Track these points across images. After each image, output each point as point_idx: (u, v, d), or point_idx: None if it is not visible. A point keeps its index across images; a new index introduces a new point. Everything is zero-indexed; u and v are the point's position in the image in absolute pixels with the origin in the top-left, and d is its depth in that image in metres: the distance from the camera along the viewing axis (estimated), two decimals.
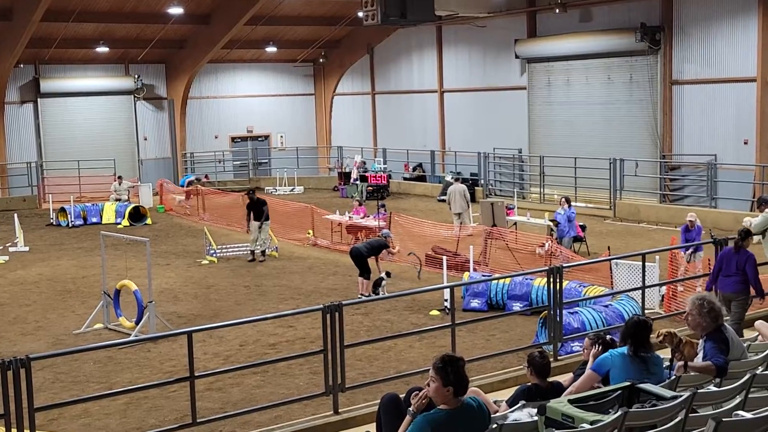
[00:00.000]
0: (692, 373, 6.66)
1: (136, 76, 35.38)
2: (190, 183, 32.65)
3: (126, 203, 29.12)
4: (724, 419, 4.51)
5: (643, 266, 12.02)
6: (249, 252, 21.14)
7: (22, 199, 32.17)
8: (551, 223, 19.26)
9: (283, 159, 38.14)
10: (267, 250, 21.23)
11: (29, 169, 32.78)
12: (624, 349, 6.79)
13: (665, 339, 7.17)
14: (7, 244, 23.50)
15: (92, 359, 12.97)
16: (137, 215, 27.86)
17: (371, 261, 17.18)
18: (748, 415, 5.11)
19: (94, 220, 27.85)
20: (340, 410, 9.45)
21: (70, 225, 27.39)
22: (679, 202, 25.87)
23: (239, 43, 35.46)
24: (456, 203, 23.35)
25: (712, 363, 6.64)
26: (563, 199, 19.81)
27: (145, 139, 36.46)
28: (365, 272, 16.85)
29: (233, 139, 38.90)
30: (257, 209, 21.12)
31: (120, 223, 27.27)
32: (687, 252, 15.57)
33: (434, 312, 15.31)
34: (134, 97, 35.81)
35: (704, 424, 4.48)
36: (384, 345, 13.07)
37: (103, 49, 33.60)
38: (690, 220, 16.31)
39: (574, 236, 19.71)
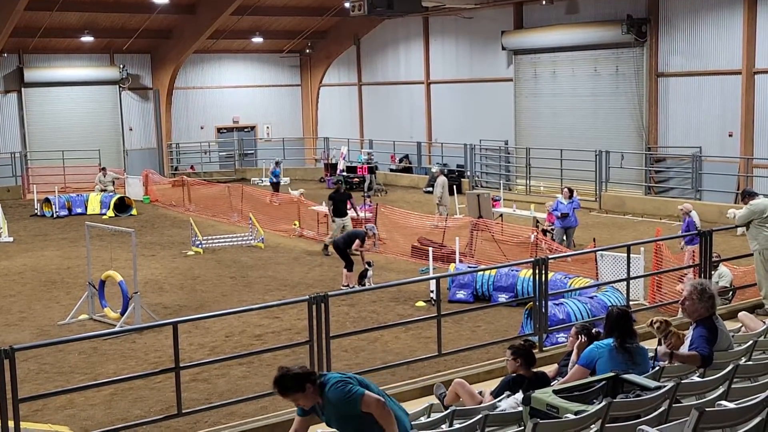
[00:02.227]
0: (677, 363, 6.69)
1: (121, 66, 35.17)
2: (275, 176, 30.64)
3: (111, 194, 28.99)
4: (707, 409, 4.54)
5: (628, 258, 12.06)
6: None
7: (6, 189, 31.95)
8: (559, 215, 19.20)
9: (270, 150, 38.02)
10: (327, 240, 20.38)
11: (13, 160, 32.57)
12: (609, 341, 6.79)
13: (660, 326, 7.19)
14: None
15: (77, 350, 12.92)
16: (122, 206, 27.75)
17: (357, 253, 17.18)
18: (731, 405, 5.15)
19: (79, 210, 27.71)
20: None
21: (55, 216, 27.25)
22: (664, 194, 25.99)
23: (225, 34, 35.28)
24: (447, 195, 23.52)
25: (698, 353, 6.66)
26: (566, 190, 19.76)
27: (131, 130, 36.28)
28: (348, 264, 16.86)
29: (219, 129, 38.77)
30: (338, 202, 20.23)
31: (105, 214, 27.16)
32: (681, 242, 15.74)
33: (420, 303, 15.34)
34: (119, 87, 35.59)
35: (688, 414, 4.51)
36: (370, 336, 13.08)
37: (87, 39, 33.37)
38: (680, 209, 16.51)
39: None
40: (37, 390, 10.77)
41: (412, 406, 8.18)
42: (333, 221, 20.35)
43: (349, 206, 20.47)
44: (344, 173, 33.53)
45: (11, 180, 32.42)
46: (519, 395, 6.72)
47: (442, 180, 23.89)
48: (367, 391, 5.66)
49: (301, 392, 5.70)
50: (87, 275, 15.52)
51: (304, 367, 5.83)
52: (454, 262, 16.94)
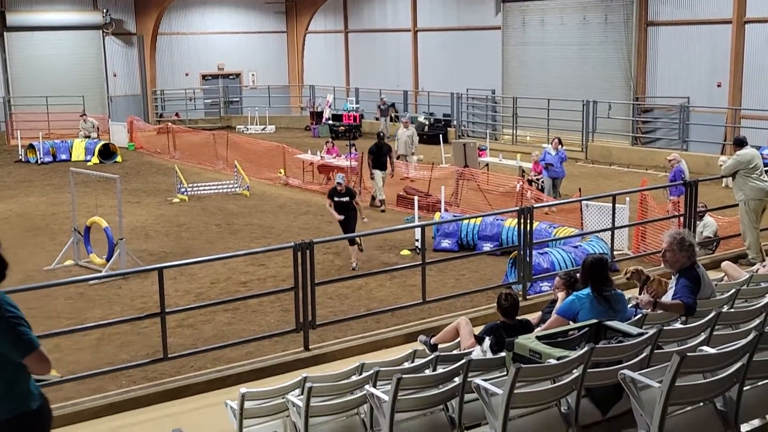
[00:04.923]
0: (660, 311, 6.74)
1: (105, 11, 34.63)
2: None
3: (95, 140, 28.76)
4: (688, 354, 4.59)
5: (613, 207, 12.12)
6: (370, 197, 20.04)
7: None
8: (529, 170, 19.20)
9: (255, 98, 37.75)
10: (377, 196, 19.66)
11: None
12: (588, 290, 6.79)
13: (633, 276, 7.23)
14: None
15: (63, 295, 12.92)
16: (107, 153, 27.56)
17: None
18: (712, 351, 5.21)
19: (64, 157, 27.53)
20: (310, 347, 9.52)
21: (39, 162, 27.06)
22: (650, 144, 26.02)
23: None
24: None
25: (681, 301, 6.70)
26: (556, 140, 19.74)
27: (115, 76, 35.86)
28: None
29: (204, 76, 38.39)
30: (378, 156, 19.71)
31: (90, 161, 26.97)
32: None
33: (405, 252, 15.38)
34: (103, 32, 35.07)
35: (669, 360, 4.56)
36: (355, 284, 13.13)
37: None
38: (668, 159, 16.67)
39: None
40: None
41: (396, 353, 8.26)
42: (372, 174, 19.80)
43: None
44: (330, 121, 33.39)
45: None
46: (485, 344, 6.75)
47: (411, 131, 23.54)
48: (42, 347, 4.33)
49: None
50: (72, 221, 15.47)
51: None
52: (440, 211, 16.97)
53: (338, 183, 15.17)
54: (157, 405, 8.34)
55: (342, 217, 14.93)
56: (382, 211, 19.16)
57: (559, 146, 19.42)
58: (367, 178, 21.05)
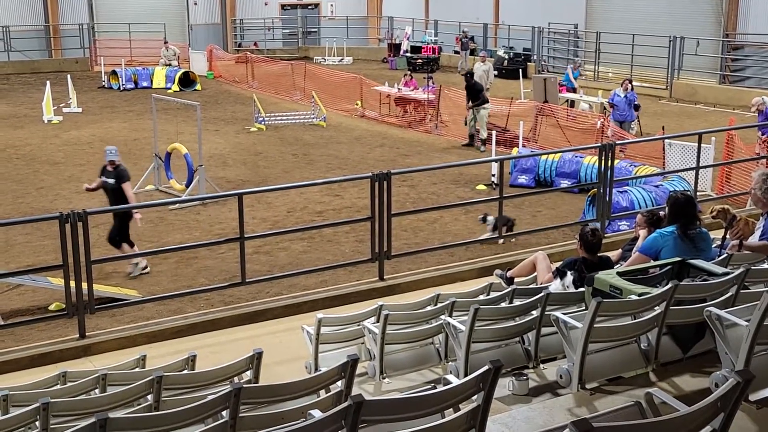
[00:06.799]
0: (746, 252, 6.55)
1: None
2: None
3: (176, 68, 29.09)
4: None
5: (699, 146, 11.76)
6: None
7: (75, 61, 32.33)
8: (607, 106, 18.60)
9: (333, 28, 37.54)
10: (477, 134, 18.87)
11: (81, 31, 32.76)
12: (672, 228, 6.60)
13: (719, 215, 7.02)
14: (61, 105, 23.75)
15: (144, 219, 13.18)
16: (187, 81, 27.88)
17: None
18: None
19: (145, 84, 27.96)
20: (385, 277, 9.58)
21: (122, 88, 27.55)
22: (739, 83, 25.08)
23: None
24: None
25: None
26: (627, 82, 18.86)
27: (195, 4, 36.03)
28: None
29: (283, 6, 38.28)
30: (471, 93, 19.04)
31: (170, 88, 27.34)
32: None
33: (481, 186, 15.25)
34: None
35: (755, 300, 4.42)
36: (429, 216, 13.11)
37: None
38: (752, 103, 15.88)
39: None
40: (107, 255, 11.07)
41: (469, 286, 8.25)
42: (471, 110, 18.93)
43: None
44: (408, 54, 33.06)
45: (79, 51, 32.72)
46: (568, 279, 6.66)
47: (488, 66, 23.03)
48: None
49: None
50: (153, 147, 15.75)
51: None
52: (517, 147, 16.74)
53: (108, 157, 11.20)
54: (235, 327, 8.55)
55: (90, 186, 11.60)
56: (482, 150, 18.34)
57: (630, 88, 18.56)
58: (444, 111, 20.86)
